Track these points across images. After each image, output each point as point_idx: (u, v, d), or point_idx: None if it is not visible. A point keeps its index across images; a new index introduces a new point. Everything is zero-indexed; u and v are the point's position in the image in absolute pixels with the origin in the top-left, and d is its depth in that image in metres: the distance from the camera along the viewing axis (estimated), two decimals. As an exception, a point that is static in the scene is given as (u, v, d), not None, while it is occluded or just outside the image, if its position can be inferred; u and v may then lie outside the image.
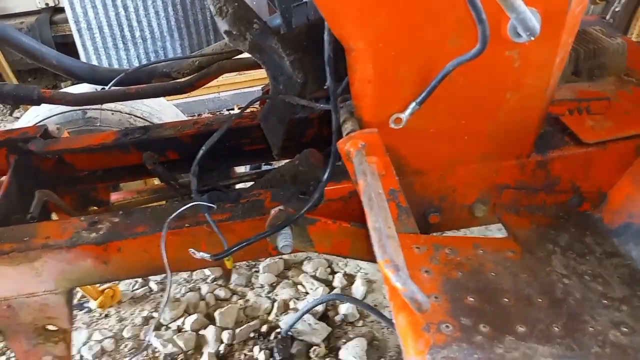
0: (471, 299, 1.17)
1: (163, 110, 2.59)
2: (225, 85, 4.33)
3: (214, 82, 4.57)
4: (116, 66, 4.16)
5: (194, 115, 4.34)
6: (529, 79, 1.22)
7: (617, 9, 2.38)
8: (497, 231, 2.27)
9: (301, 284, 2.67)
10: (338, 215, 1.46)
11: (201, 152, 1.33)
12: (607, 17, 2.42)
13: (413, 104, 1.21)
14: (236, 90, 4.43)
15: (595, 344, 1.11)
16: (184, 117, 2.76)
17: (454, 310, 1.14)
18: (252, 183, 1.76)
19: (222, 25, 1.25)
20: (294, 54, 1.30)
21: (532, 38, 1.06)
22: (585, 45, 1.60)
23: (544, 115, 1.34)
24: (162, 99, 2.61)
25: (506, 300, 1.18)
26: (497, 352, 1.07)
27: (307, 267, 2.76)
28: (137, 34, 4.16)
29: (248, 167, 2.64)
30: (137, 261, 1.47)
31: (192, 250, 1.32)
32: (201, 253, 1.31)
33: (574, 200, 1.47)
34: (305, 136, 1.89)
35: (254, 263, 2.82)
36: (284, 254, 1.37)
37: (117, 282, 2.69)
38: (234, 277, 2.72)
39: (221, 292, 2.64)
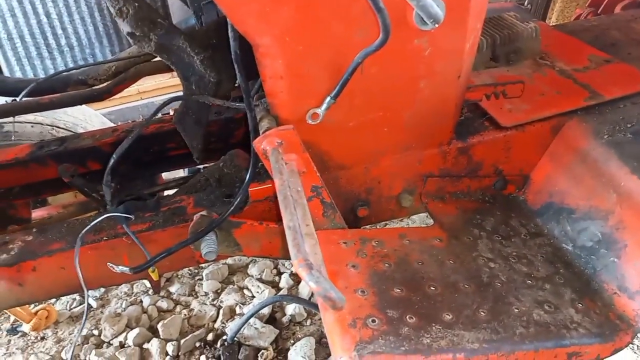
0: (398, 290, 1.16)
1: (88, 119, 2.47)
2: (160, 89, 4.21)
3: (148, 87, 4.45)
4: (43, 76, 3.97)
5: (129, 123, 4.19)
6: (440, 66, 1.21)
7: (534, -5, 2.46)
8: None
9: (247, 288, 2.62)
10: (266, 216, 1.42)
11: (111, 161, 1.26)
12: (526, 3, 2.50)
13: (328, 99, 1.19)
14: (172, 94, 4.32)
15: (520, 324, 1.12)
16: (111, 125, 2.64)
17: (380, 303, 1.12)
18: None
19: (125, 27, 1.19)
20: (203, 52, 1.25)
21: (437, 25, 1.05)
22: (500, 31, 1.63)
23: (460, 102, 1.34)
24: (86, 107, 2.49)
25: (432, 288, 1.18)
26: (424, 342, 1.06)
27: (253, 270, 2.71)
28: (63, 41, 3.97)
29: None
30: (56, 280, 1.39)
31: (110, 264, 1.26)
32: (120, 267, 1.25)
33: (498, 183, 1.49)
34: (234, 137, 1.84)
35: (197, 270, 2.75)
36: (209, 261, 1.32)
37: (50, 302, 2.56)
38: (176, 287, 2.64)
39: (164, 304, 2.56)
